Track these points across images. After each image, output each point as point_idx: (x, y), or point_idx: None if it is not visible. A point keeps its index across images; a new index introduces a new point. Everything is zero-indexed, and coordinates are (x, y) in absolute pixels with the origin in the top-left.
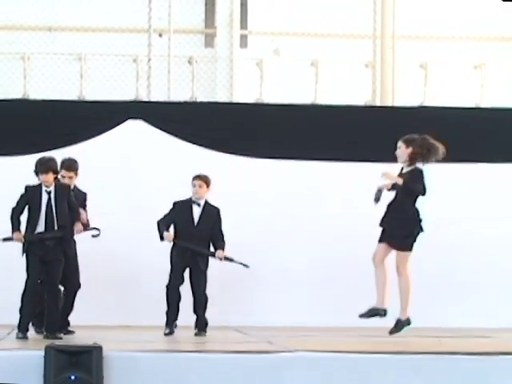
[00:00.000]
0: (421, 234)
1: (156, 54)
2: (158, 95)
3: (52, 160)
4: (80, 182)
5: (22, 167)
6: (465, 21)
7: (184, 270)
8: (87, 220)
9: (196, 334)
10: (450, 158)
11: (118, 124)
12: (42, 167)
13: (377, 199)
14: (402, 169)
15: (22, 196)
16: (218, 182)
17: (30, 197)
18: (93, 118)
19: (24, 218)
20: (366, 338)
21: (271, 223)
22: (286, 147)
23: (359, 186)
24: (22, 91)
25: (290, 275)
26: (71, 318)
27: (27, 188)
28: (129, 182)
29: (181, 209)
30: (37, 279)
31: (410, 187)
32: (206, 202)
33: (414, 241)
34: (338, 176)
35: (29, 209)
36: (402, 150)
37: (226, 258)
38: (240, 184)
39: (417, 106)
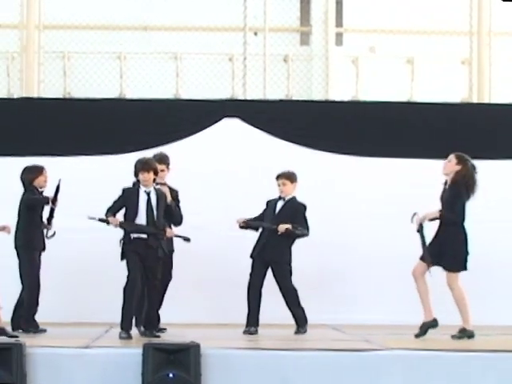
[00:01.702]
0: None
1: (251, 53)
2: (253, 93)
3: (152, 160)
4: (176, 180)
5: (117, 167)
6: None
7: (265, 269)
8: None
9: (295, 332)
10: None
11: (215, 122)
12: (144, 165)
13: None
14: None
15: (119, 197)
16: (316, 181)
17: (127, 198)
18: (189, 116)
19: None
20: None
21: (363, 221)
22: (383, 145)
23: None
24: (119, 90)
25: (385, 273)
26: (169, 317)
27: (124, 190)
28: (225, 180)
29: (268, 206)
30: (138, 274)
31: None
32: (293, 198)
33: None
34: (435, 174)
35: (126, 210)
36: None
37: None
38: (337, 182)
39: None
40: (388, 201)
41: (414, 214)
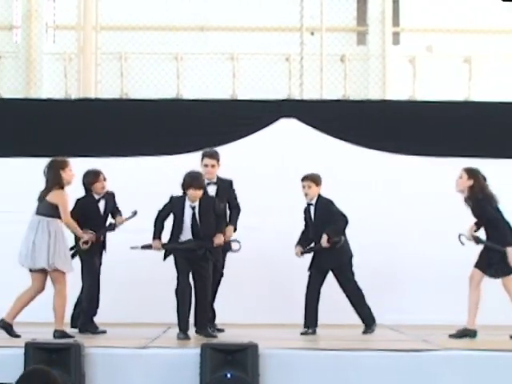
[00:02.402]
0: None
1: (308, 53)
2: (310, 93)
3: (201, 177)
4: (234, 180)
5: (174, 167)
6: None
7: (324, 274)
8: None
9: (363, 332)
10: None
11: (271, 123)
12: (194, 182)
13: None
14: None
15: (167, 204)
16: (374, 181)
17: (174, 207)
18: (245, 116)
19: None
20: None
21: (419, 221)
22: (440, 144)
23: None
24: (176, 91)
25: (443, 273)
26: (227, 317)
27: (172, 198)
28: (282, 180)
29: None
30: (187, 275)
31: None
32: (319, 197)
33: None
34: (492, 174)
35: (174, 218)
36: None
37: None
38: (395, 183)
39: None
40: (445, 200)
41: (460, 235)
